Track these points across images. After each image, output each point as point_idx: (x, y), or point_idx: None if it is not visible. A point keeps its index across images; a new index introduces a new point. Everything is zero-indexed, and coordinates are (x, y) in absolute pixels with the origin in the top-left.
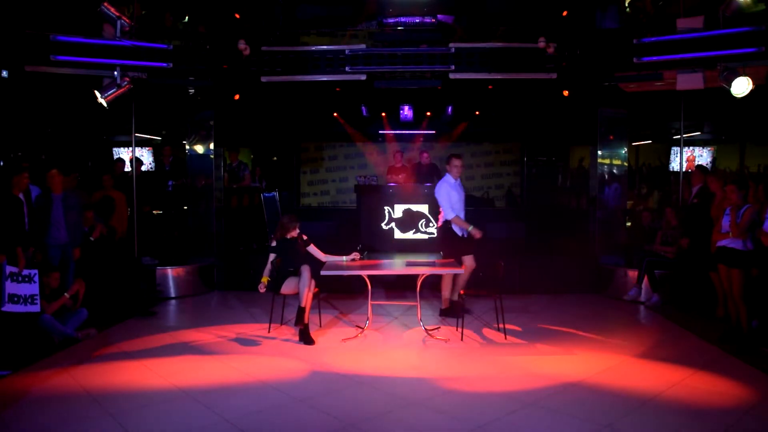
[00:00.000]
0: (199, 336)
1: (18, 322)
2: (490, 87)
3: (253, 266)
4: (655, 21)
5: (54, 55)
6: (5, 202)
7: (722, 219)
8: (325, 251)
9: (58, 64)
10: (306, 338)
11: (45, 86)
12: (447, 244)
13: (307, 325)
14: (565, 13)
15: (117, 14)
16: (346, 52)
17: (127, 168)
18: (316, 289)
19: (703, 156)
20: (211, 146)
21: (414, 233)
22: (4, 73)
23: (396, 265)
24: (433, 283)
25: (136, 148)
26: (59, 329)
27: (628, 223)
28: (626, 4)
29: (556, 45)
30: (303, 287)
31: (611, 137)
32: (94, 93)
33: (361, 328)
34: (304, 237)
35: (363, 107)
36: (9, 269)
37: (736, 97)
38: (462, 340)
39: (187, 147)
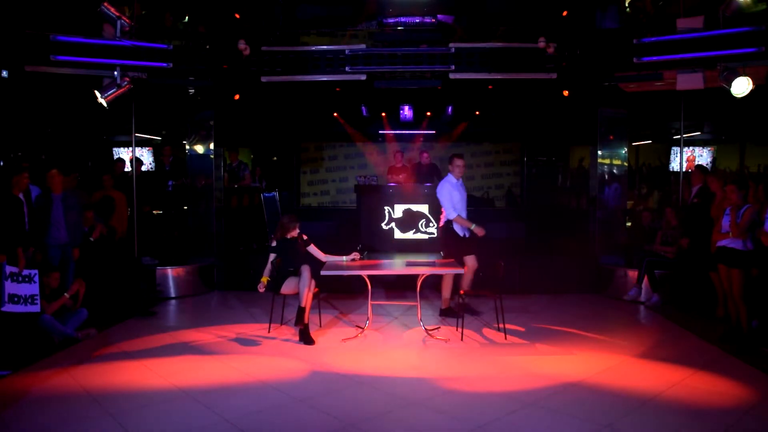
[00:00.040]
0: (199, 336)
1: (18, 322)
2: (490, 87)
3: (253, 266)
4: (655, 21)
5: (54, 55)
6: (5, 202)
7: (722, 219)
8: (325, 251)
9: (58, 64)
10: (306, 338)
11: (45, 86)
12: (448, 244)
13: (307, 325)
14: (565, 13)
15: (117, 14)
16: (346, 52)
17: (127, 168)
18: (316, 289)
19: (703, 156)
20: (211, 146)
21: (414, 233)
22: (4, 73)
23: (396, 265)
24: (433, 283)
25: (136, 148)
26: (59, 329)
27: (628, 223)
28: (626, 4)
29: (556, 45)
30: (303, 287)
31: (611, 137)
32: (94, 93)
33: (361, 328)
34: (304, 237)
35: (363, 107)
36: (9, 269)
37: (736, 97)
38: (462, 340)
39: (187, 147)
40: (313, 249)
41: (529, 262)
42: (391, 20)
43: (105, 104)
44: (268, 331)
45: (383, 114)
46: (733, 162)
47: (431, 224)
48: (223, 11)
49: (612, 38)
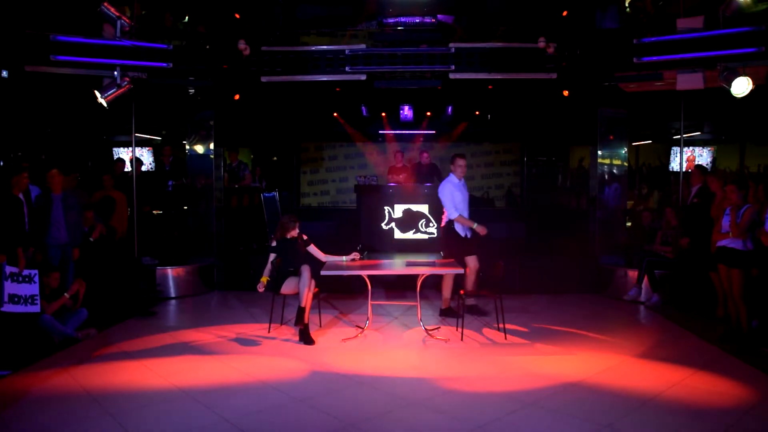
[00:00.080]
0: (199, 336)
1: (18, 322)
2: (490, 87)
3: (253, 266)
4: (655, 21)
5: (54, 55)
6: (5, 202)
7: (722, 219)
8: (325, 251)
9: (58, 64)
10: (306, 338)
11: (45, 86)
12: (450, 244)
13: (307, 325)
14: (565, 13)
15: (117, 14)
16: (346, 52)
17: (127, 168)
18: (316, 289)
19: (703, 156)
20: (211, 146)
21: (414, 233)
22: (4, 73)
23: (396, 265)
24: (433, 283)
25: (136, 148)
26: (59, 329)
27: (628, 223)
28: (626, 4)
29: (556, 45)
30: (303, 287)
31: (611, 137)
32: (94, 93)
33: (361, 328)
34: (304, 237)
35: (363, 107)
36: (9, 269)
37: (736, 97)
38: (462, 340)
39: (187, 147)
40: (313, 249)
41: (529, 262)
42: (391, 20)
43: (105, 104)
44: (268, 331)
45: (383, 114)
46: (733, 162)
47: (431, 224)
48: (223, 11)
49: (612, 38)
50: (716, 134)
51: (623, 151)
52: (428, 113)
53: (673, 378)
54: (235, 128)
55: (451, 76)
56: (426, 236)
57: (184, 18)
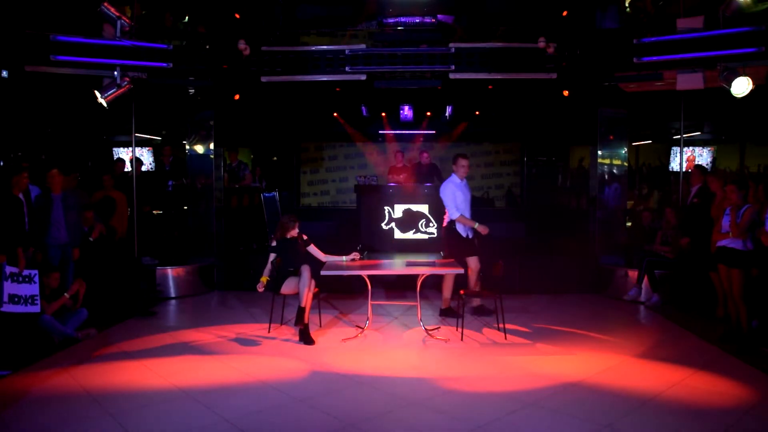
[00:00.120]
0: (199, 336)
1: (18, 322)
2: (490, 87)
3: (253, 266)
4: (655, 21)
5: (54, 55)
6: (5, 202)
7: (722, 219)
8: (325, 251)
9: (58, 64)
10: (306, 338)
11: (45, 86)
12: (451, 244)
13: (307, 325)
14: (565, 13)
15: (117, 14)
16: (346, 52)
17: (127, 168)
18: (316, 289)
19: (703, 156)
20: (211, 146)
21: (414, 233)
22: (4, 73)
23: (396, 265)
24: (433, 283)
25: (136, 148)
26: (59, 329)
27: (628, 223)
28: (626, 4)
29: (556, 45)
30: (303, 287)
31: (611, 137)
32: (94, 93)
33: (361, 328)
34: (304, 237)
35: (363, 107)
36: (9, 269)
37: (736, 97)
38: (462, 340)
39: (187, 147)
40: (312, 249)
41: (529, 262)
42: (391, 20)
43: (105, 104)
44: (268, 331)
45: (383, 114)
46: (733, 162)
47: (431, 224)
48: (223, 11)
49: (612, 38)
50: (716, 134)
51: (623, 151)
52: (428, 113)
53: (673, 378)
54: (235, 128)
55: (451, 76)
56: (426, 236)
57: (184, 18)
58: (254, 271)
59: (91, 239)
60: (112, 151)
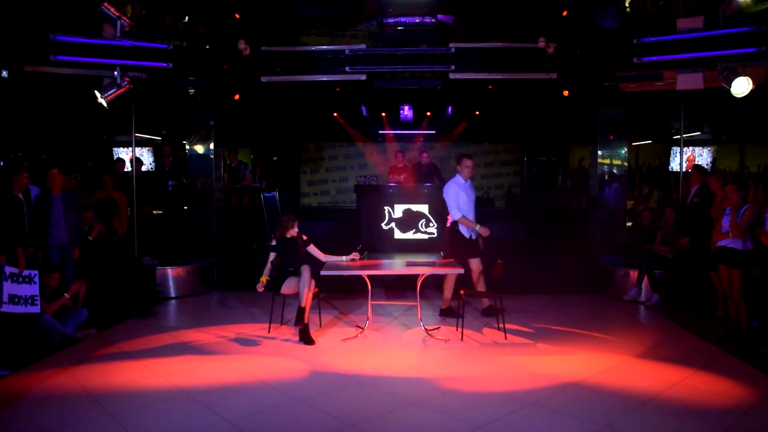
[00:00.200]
0: (199, 336)
1: (18, 322)
2: (490, 87)
3: (253, 266)
4: (655, 21)
5: (54, 55)
6: (5, 202)
7: (722, 219)
8: (325, 251)
9: (58, 64)
10: (306, 338)
11: (45, 86)
12: (453, 245)
13: (307, 325)
14: (565, 13)
15: (117, 14)
16: (346, 52)
17: (127, 168)
18: (316, 289)
19: (703, 156)
20: (211, 146)
21: (414, 233)
22: (4, 73)
23: (396, 265)
24: (433, 283)
25: (136, 148)
26: (59, 329)
27: (628, 223)
28: (626, 4)
29: (556, 45)
30: (303, 287)
31: (611, 137)
32: (94, 93)
33: (361, 328)
34: (304, 237)
35: (363, 107)
36: (9, 270)
37: (736, 97)
38: (462, 340)
39: (187, 147)
40: (312, 249)
41: (529, 262)
42: (391, 20)
43: (105, 104)
44: (268, 331)
45: (383, 114)
46: (733, 162)
47: (431, 224)
48: (223, 11)
49: (612, 38)
50: (716, 134)
51: (623, 151)
52: (428, 113)
53: (673, 378)
54: (235, 128)
55: (451, 76)
56: (426, 236)
57: (184, 18)
58: (254, 271)
59: (90, 239)
60: (112, 151)
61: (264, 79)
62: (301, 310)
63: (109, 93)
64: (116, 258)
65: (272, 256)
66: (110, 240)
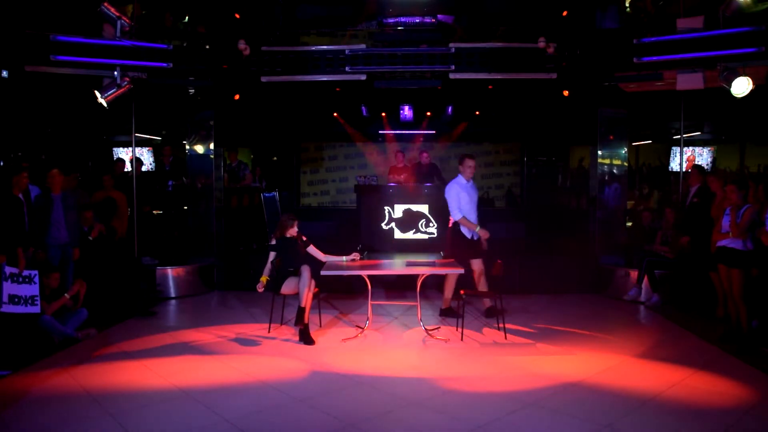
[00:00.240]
0: (199, 336)
1: (18, 322)
2: (490, 87)
3: (253, 266)
4: (655, 21)
5: (54, 55)
6: (5, 202)
7: (722, 219)
8: (325, 251)
9: (58, 64)
10: (306, 338)
11: (45, 86)
12: (455, 245)
13: (307, 325)
14: (565, 13)
15: (117, 14)
16: (346, 52)
17: (127, 168)
18: (316, 289)
19: (703, 156)
20: (211, 146)
21: (414, 233)
22: (4, 73)
23: (396, 265)
24: (434, 283)
25: (136, 148)
26: (59, 329)
27: (628, 223)
28: (626, 4)
29: (556, 45)
30: (303, 287)
31: (611, 137)
32: (94, 93)
33: (361, 328)
34: (304, 238)
35: (363, 107)
36: (9, 270)
37: (736, 97)
38: (462, 340)
39: (187, 147)
40: (312, 250)
41: (529, 262)
42: (391, 20)
43: (105, 104)
44: (268, 331)
45: (383, 114)
46: (733, 162)
47: (431, 224)
48: (223, 11)
49: (612, 38)
50: (716, 134)
51: (623, 151)
52: (428, 113)
53: (673, 378)
54: (235, 128)
55: (451, 76)
56: (426, 236)
57: (184, 18)
58: (254, 271)
59: (90, 239)
60: (112, 151)
61: (264, 79)
62: (301, 310)
63: (109, 93)
64: (116, 258)
65: (272, 255)
66: (110, 240)
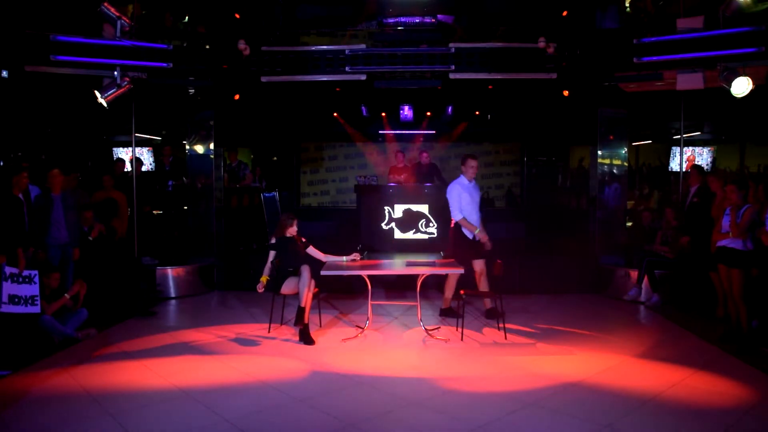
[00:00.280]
0: (199, 336)
1: (18, 322)
2: (490, 87)
3: (253, 266)
4: (656, 21)
5: (54, 55)
6: (5, 202)
7: (722, 219)
8: (325, 251)
9: (58, 64)
10: (306, 338)
11: (45, 86)
12: (457, 245)
13: (307, 325)
14: (565, 13)
15: (117, 14)
16: (346, 52)
17: (127, 168)
18: (316, 289)
19: (703, 156)
20: (211, 146)
21: (414, 233)
22: (4, 73)
23: (396, 265)
24: (434, 283)
25: (136, 148)
26: (59, 329)
27: (628, 223)
28: (626, 4)
29: (556, 45)
30: (303, 287)
31: (611, 137)
32: (94, 93)
33: (361, 328)
34: (303, 239)
35: (363, 107)
36: (9, 270)
37: (736, 97)
38: (462, 340)
39: (187, 147)
40: (312, 250)
41: (529, 262)
42: (391, 20)
43: (105, 104)
44: (268, 331)
45: (383, 114)
46: (733, 162)
47: (431, 224)
48: (223, 11)
49: (612, 38)
50: (716, 134)
51: (623, 151)
52: (428, 113)
53: (673, 378)
54: (235, 128)
55: (451, 76)
56: (426, 236)
57: (184, 18)
58: (254, 271)
59: (90, 239)
60: (112, 151)
61: (264, 79)
62: (301, 310)
63: (109, 93)
64: (116, 258)
65: (272, 255)
66: (110, 240)
